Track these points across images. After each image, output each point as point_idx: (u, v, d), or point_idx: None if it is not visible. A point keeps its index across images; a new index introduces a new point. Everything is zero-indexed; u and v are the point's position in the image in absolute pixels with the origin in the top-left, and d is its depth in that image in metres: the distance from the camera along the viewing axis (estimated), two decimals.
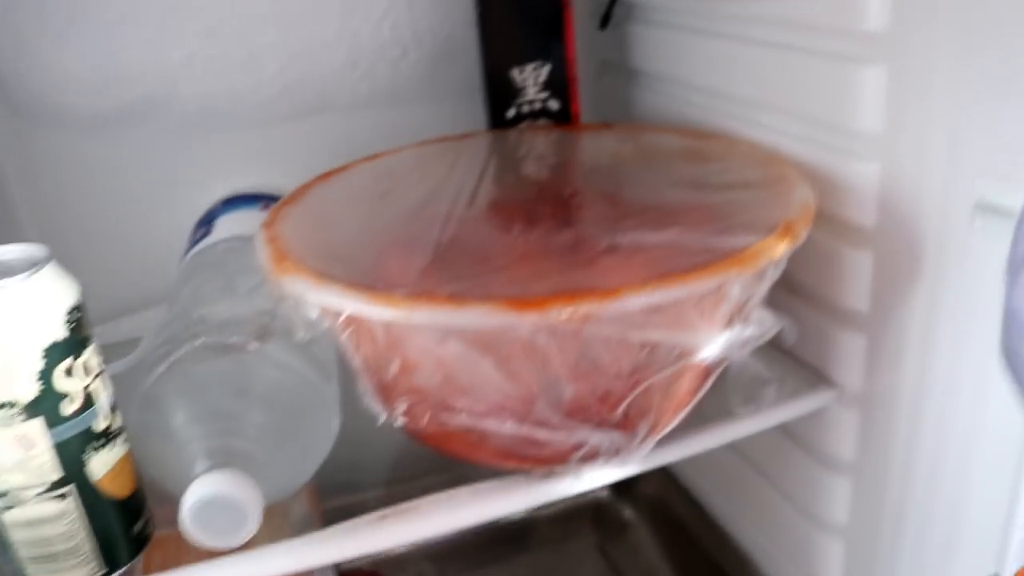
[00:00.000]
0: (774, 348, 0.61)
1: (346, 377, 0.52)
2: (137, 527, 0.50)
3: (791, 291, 0.60)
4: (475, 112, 0.70)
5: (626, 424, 0.49)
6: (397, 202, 0.56)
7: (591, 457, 0.50)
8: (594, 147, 0.65)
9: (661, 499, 0.85)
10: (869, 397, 0.59)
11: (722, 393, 0.56)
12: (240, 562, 0.50)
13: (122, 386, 0.50)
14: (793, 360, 0.62)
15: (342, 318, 0.45)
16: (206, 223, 0.65)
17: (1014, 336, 0.37)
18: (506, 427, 0.47)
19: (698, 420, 0.56)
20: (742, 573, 0.74)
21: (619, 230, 0.49)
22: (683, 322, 0.44)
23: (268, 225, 0.52)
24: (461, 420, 0.47)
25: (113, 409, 0.48)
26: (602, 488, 0.91)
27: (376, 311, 0.42)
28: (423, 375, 0.46)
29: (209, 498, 0.44)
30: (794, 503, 0.68)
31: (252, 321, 0.52)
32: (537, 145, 0.65)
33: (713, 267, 0.43)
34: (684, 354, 0.46)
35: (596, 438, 0.48)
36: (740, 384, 0.57)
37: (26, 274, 0.43)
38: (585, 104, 0.71)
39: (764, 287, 0.48)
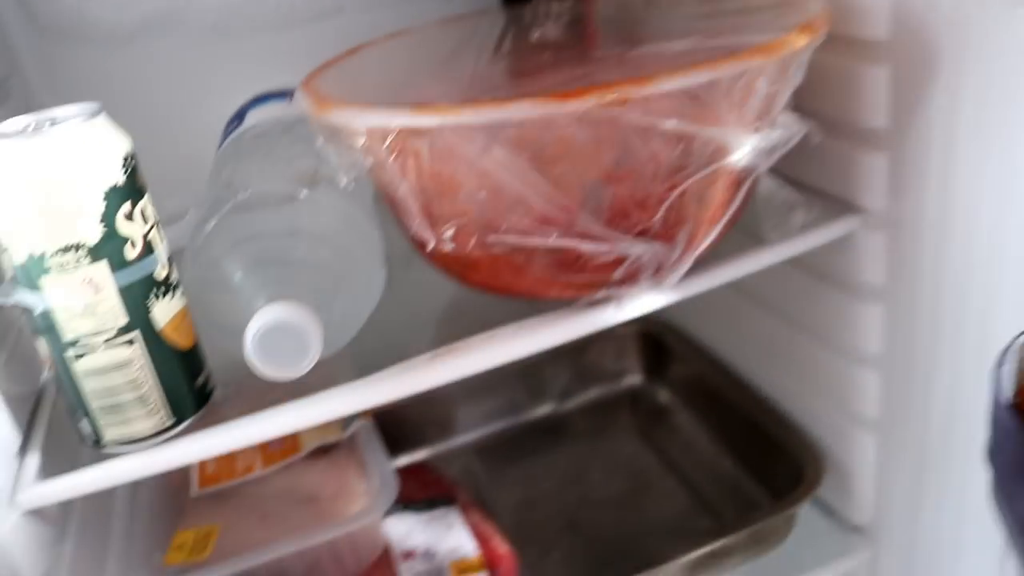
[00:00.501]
0: (800, 183, 0.63)
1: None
2: (200, 380, 0.51)
3: (812, 119, 0.61)
4: (489, 5, 0.72)
5: (665, 234, 0.50)
6: (424, 60, 0.58)
7: (633, 275, 0.51)
8: (607, 5, 0.67)
9: (695, 377, 0.86)
10: (895, 219, 0.60)
11: (754, 223, 0.59)
12: (305, 405, 0.51)
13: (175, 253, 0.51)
14: (819, 193, 0.63)
15: (388, 140, 0.46)
16: (238, 118, 0.66)
17: None
18: (551, 241, 0.48)
19: (729, 250, 0.58)
20: (783, 429, 0.75)
21: (640, 49, 0.51)
22: (714, 115, 0.46)
23: (307, 82, 0.53)
24: (507, 240, 0.49)
25: (170, 260, 0.50)
26: (636, 375, 0.93)
27: (423, 120, 0.44)
28: (469, 193, 0.48)
29: (271, 325, 0.46)
30: (829, 343, 0.69)
31: (298, 172, 0.53)
32: (552, 10, 0.67)
33: (740, 55, 0.45)
34: (717, 154, 0.48)
35: (637, 249, 0.49)
36: (770, 210, 0.59)
37: (83, 118, 0.45)
38: None
39: (789, 86, 0.50)
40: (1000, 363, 0.40)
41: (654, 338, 0.92)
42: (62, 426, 0.55)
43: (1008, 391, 0.40)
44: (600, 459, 0.85)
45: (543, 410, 0.91)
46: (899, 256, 0.61)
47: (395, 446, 0.69)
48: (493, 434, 0.89)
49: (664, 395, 0.90)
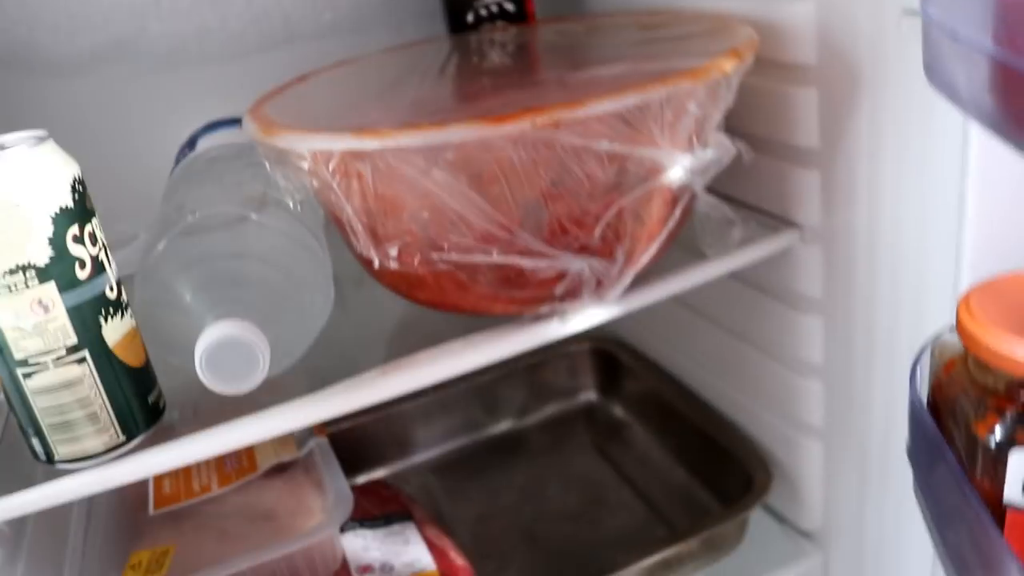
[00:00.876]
0: (738, 201, 0.65)
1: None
2: (152, 397, 0.52)
3: (746, 142, 0.63)
4: (437, 33, 0.74)
5: (604, 250, 0.52)
6: (370, 86, 0.59)
7: (575, 290, 0.53)
8: (549, 33, 0.69)
9: (648, 392, 0.88)
10: (829, 233, 0.62)
11: (694, 239, 0.61)
12: (256, 421, 0.52)
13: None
14: (756, 210, 0.66)
15: (332, 163, 0.48)
16: (189, 145, 0.67)
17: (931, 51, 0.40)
18: (492, 258, 0.50)
19: (671, 266, 0.60)
20: (732, 439, 0.77)
21: (577, 74, 0.53)
22: (647, 136, 0.48)
23: (254, 108, 0.55)
24: (450, 257, 0.50)
25: (119, 282, 0.51)
26: (591, 392, 0.95)
27: (365, 143, 0.45)
28: (412, 213, 0.49)
29: (219, 341, 0.47)
30: (773, 354, 0.71)
31: (248, 195, 0.54)
32: (496, 38, 0.69)
33: (668, 79, 0.47)
34: (651, 173, 0.50)
35: (577, 264, 0.51)
36: (708, 227, 0.61)
37: (30, 144, 0.46)
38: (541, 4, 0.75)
39: (719, 108, 0.52)
40: (915, 365, 0.42)
41: (607, 355, 0.93)
42: (15, 445, 0.55)
43: (924, 391, 0.42)
44: (556, 474, 0.86)
45: (499, 428, 0.93)
46: (834, 268, 0.63)
47: (353, 466, 0.70)
48: (450, 452, 0.90)
49: (618, 410, 0.92)
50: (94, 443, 0.50)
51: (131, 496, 0.72)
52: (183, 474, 0.72)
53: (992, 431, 0.38)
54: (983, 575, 0.36)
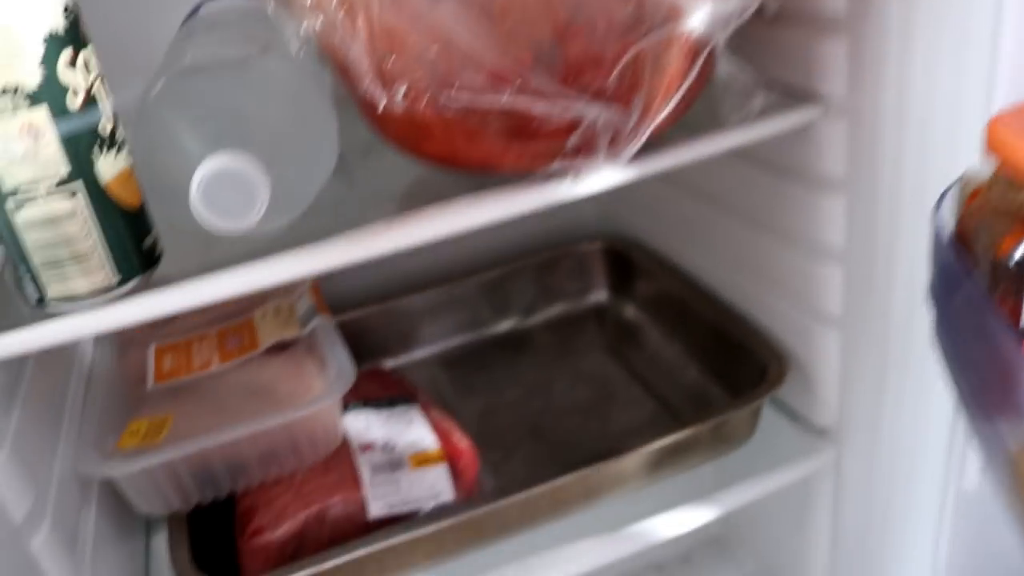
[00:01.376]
0: (761, 71, 0.63)
1: None
2: (147, 242, 0.51)
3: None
4: None
5: (620, 98, 0.50)
6: None
7: (589, 143, 0.51)
8: None
9: (661, 292, 0.86)
10: (854, 108, 0.60)
11: (713, 108, 0.58)
12: (255, 267, 0.51)
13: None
14: (779, 82, 0.63)
15: None
16: (192, 13, 0.65)
17: None
18: (503, 100, 0.48)
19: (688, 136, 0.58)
20: (747, 333, 0.75)
21: None
22: None
23: None
24: (459, 99, 0.48)
25: (115, 118, 0.49)
26: (601, 292, 0.93)
27: None
28: (419, 49, 0.47)
29: (217, 171, 0.45)
30: (791, 240, 0.69)
31: (251, 40, 0.52)
32: None
33: None
34: (671, 15, 0.47)
35: (592, 111, 0.49)
36: (728, 94, 0.58)
37: None
38: None
39: None
40: (940, 202, 0.40)
41: (619, 254, 0.91)
42: (7, 297, 0.54)
43: (948, 227, 0.40)
44: (564, 371, 0.85)
45: (507, 326, 0.91)
46: (859, 145, 0.60)
47: (356, 357, 0.68)
48: (456, 348, 0.89)
49: (630, 311, 0.90)
50: (86, 283, 0.48)
51: (130, 370, 0.70)
52: (183, 350, 0.71)
53: (1015, 247, 0.36)
54: (1003, 400, 0.34)
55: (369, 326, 0.84)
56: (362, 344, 0.82)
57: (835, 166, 0.62)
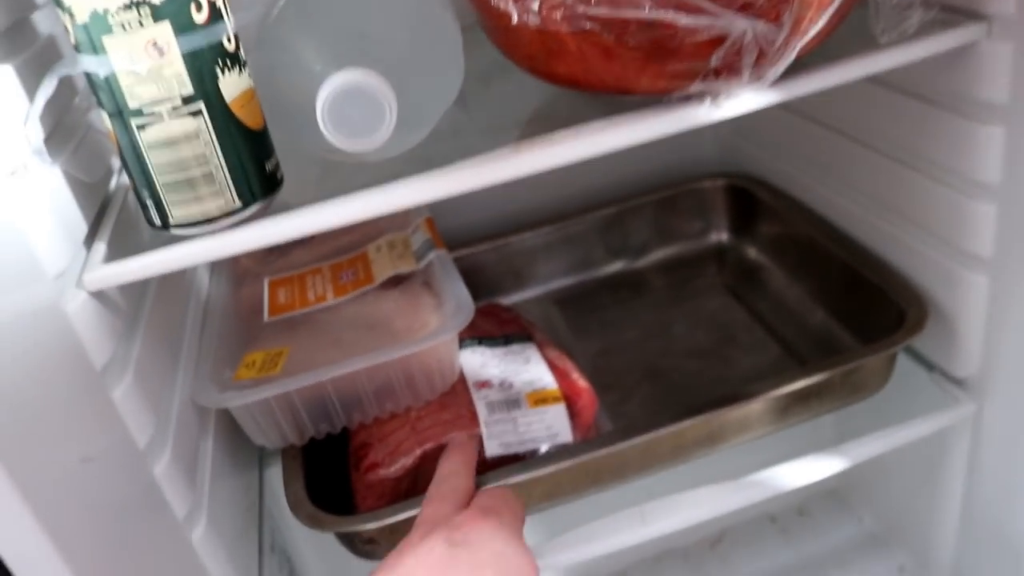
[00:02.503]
0: None
1: None
2: (269, 165, 0.49)
3: None
4: None
5: (769, 12, 0.46)
6: None
7: (732, 64, 0.47)
8: None
9: (786, 232, 0.82)
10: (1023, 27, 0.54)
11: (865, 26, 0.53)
12: (378, 192, 0.49)
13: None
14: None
15: None
16: None
17: None
18: (645, 12, 0.44)
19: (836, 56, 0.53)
20: (883, 276, 0.70)
21: None
22: None
23: None
24: (598, 12, 0.45)
25: (237, 37, 0.47)
26: (722, 233, 0.89)
27: None
28: None
29: (346, 86, 0.43)
30: (940, 175, 0.64)
31: None
32: None
33: None
34: None
35: (739, 25, 0.45)
36: (883, 11, 0.54)
37: None
38: None
39: None
40: None
41: (743, 193, 0.87)
42: (131, 224, 0.53)
43: None
44: (683, 313, 0.82)
45: (623, 265, 0.88)
46: None
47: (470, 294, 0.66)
48: (570, 287, 0.86)
49: (752, 252, 0.86)
50: (210, 206, 0.47)
51: (245, 304, 0.70)
52: (298, 283, 0.70)
53: None
54: None
55: (481, 264, 0.82)
56: (474, 282, 0.80)
57: (997, 92, 0.57)
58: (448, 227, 0.76)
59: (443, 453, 0.59)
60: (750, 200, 0.86)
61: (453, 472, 0.57)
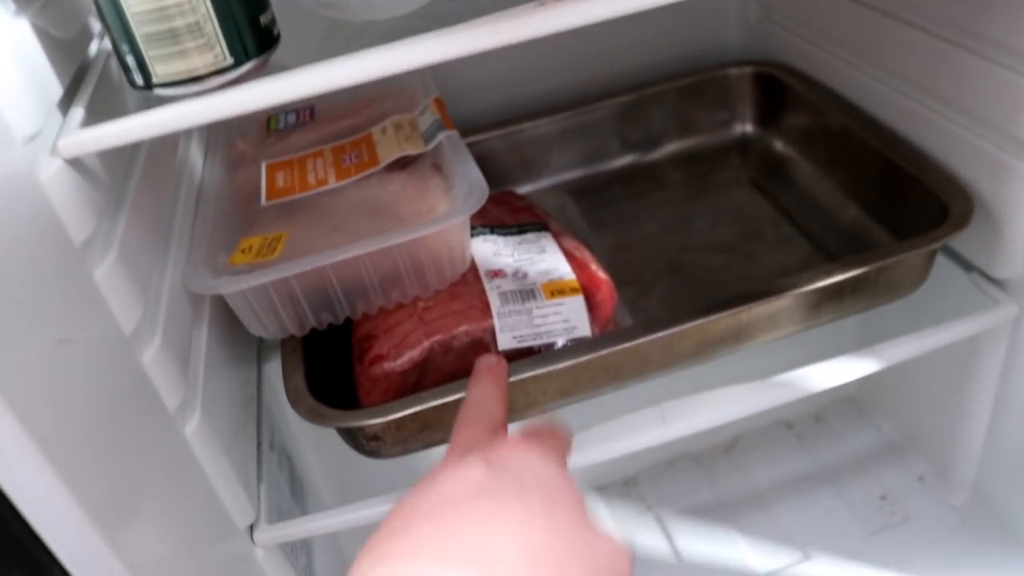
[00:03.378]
0: None
1: None
2: (264, 18, 0.44)
3: None
4: None
5: None
6: None
7: None
8: None
9: (816, 121, 0.77)
10: None
11: None
12: (384, 51, 0.43)
13: None
14: None
15: None
16: None
17: None
18: None
19: None
20: (922, 167, 0.66)
21: None
22: None
23: None
24: None
25: None
26: (747, 124, 0.84)
27: None
28: None
29: None
30: (991, 52, 0.58)
31: None
32: None
33: None
34: None
35: None
36: None
37: None
38: None
39: None
40: None
41: (771, 80, 0.81)
42: (114, 91, 0.49)
43: None
44: (706, 206, 0.77)
45: (642, 157, 0.83)
46: None
47: None
48: (587, 178, 0.81)
49: (779, 144, 0.81)
50: (197, 62, 0.42)
51: (241, 188, 0.65)
52: (298, 167, 0.65)
53: None
54: None
55: (491, 152, 0.77)
56: (483, 171, 0.75)
57: None
58: (457, 113, 0.71)
59: (472, 376, 0.54)
60: (778, 88, 0.80)
61: (485, 396, 0.51)
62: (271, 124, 0.72)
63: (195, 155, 0.70)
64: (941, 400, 0.79)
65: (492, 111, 0.80)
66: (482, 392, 0.51)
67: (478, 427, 0.47)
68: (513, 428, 0.48)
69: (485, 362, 0.55)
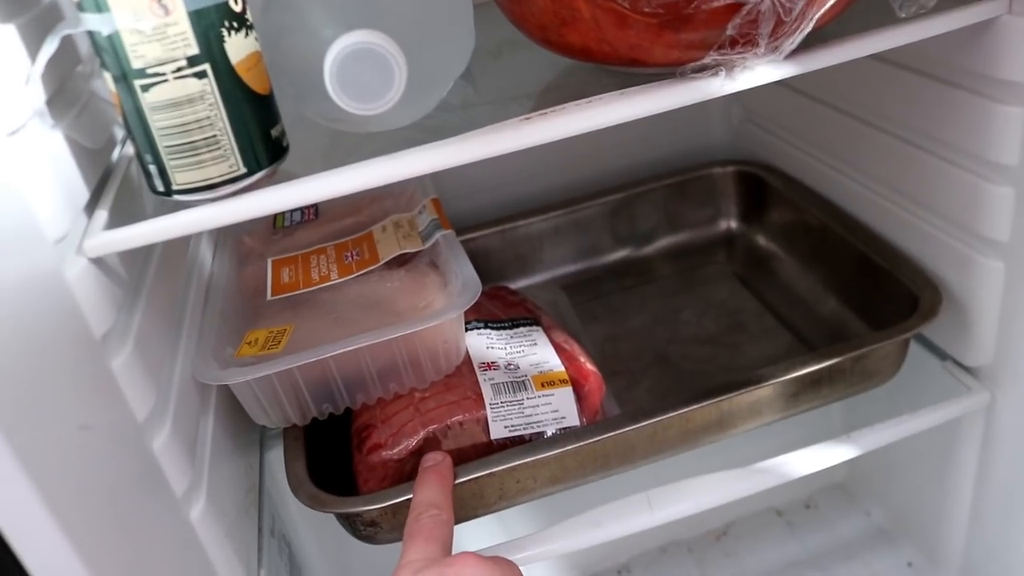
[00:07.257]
0: None
1: None
2: (275, 132, 0.48)
3: None
4: None
5: None
6: None
7: (747, 35, 0.46)
8: None
9: (797, 219, 0.81)
10: None
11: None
12: (385, 161, 0.47)
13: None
14: None
15: None
16: None
17: None
18: None
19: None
20: (895, 262, 0.69)
21: None
22: None
23: None
24: None
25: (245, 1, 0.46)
26: (731, 220, 0.88)
27: None
28: None
29: (355, 47, 0.42)
30: (956, 158, 0.63)
31: None
32: None
33: None
34: None
35: None
36: None
37: None
38: None
39: None
40: None
41: (753, 179, 0.86)
42: (134, 193, 0.52)
43: None
44: (692, 299, 0.80)
45: (631, 252, 0.87)
46: None
47: None
48: (578, 273, 0.85)
49: (762, 239, 0.85)
50: (212, 171, 0.46)
51: (248, 283, 0.69)
52: (302, 263, 0.69)
53: None
54: None
55: (488, 248, 0.81)
56: (480, 267, 0.79)
57: (1017, 71, 0.56)
58: (454, 211, 0.75)
59: (419, 475, 0.56)
60: (760, 186, 0.85)
61: (433, 503, 0.53)
62: (277, 221, 0.76)
63: (205, 250, 0.74)
64: (926, 485, 0.81)
65: (488, 209, 0.85)
66: (431, 496, 0.54)
67: (431, 543, 0.49)
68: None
69: (431, 459, 0.58)
